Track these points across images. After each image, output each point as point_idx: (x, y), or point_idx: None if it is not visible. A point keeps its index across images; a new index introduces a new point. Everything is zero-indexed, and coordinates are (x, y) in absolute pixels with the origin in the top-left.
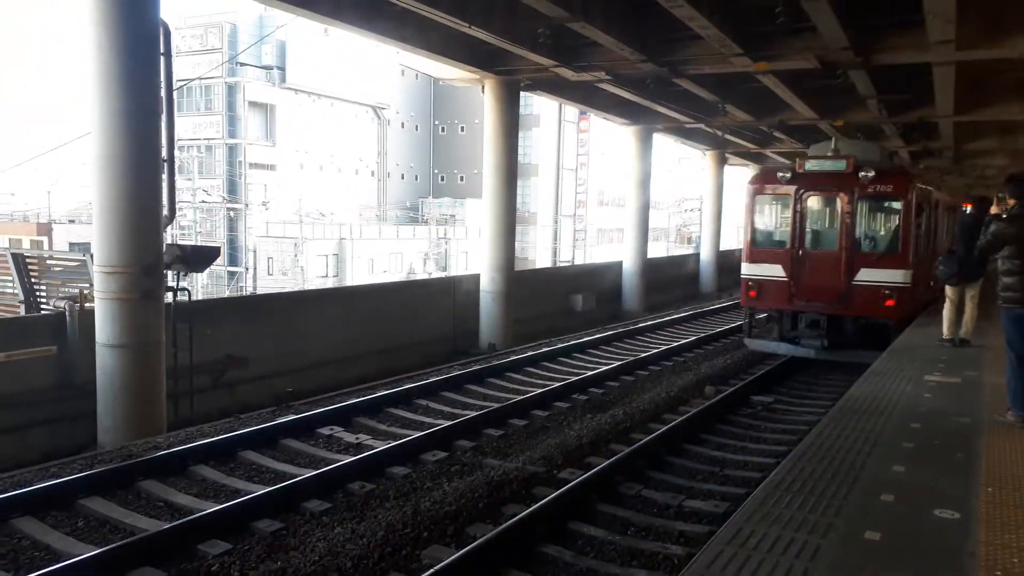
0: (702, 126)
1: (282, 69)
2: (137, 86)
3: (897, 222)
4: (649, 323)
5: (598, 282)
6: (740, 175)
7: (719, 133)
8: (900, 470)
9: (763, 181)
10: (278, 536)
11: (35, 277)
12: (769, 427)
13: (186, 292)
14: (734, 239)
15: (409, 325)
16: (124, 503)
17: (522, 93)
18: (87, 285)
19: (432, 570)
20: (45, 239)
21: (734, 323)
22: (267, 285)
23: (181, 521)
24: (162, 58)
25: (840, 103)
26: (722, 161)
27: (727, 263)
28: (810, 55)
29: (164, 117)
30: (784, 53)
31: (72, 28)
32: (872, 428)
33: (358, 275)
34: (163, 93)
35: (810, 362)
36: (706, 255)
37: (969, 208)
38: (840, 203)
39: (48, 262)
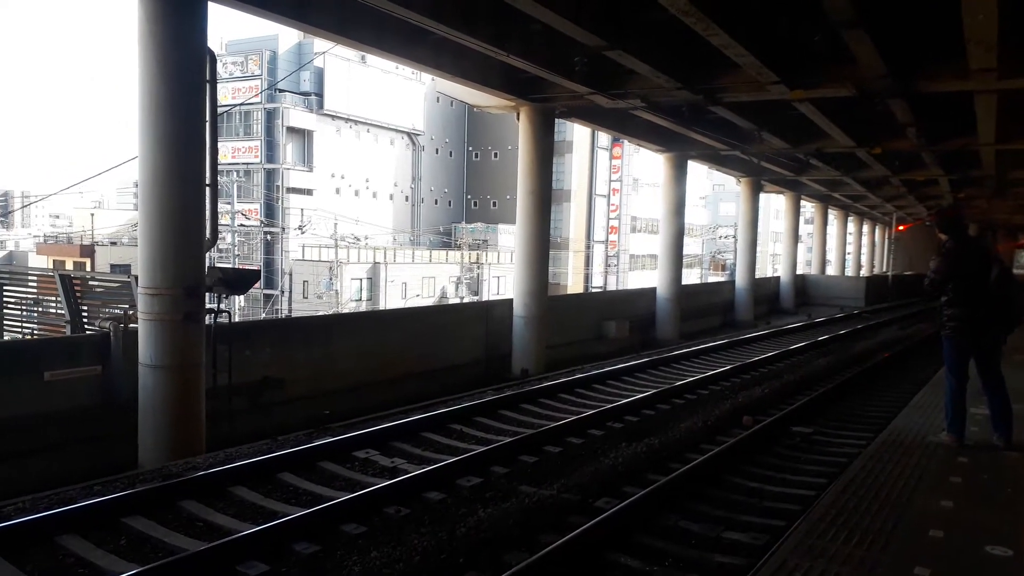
0: (737, 153)
1: (320, 95)
2: (183, 112)
3: None
4: (684, 351)
5: (631, 309)
6: (776, 202)
7: (755, 160)
8: (948, 505)
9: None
10: (315, 559)
11: (79, 298)
12: (809, 458)
13: (226, 314)
14: (769, 267)
15: (443, 349)
16: (165, 522)
17: (556, 120)
18: (127, 306)
19: None
20: (87, 261)
21: (772, 352)
22: (302, 308)
23: (221, 542)
24: (207, 85)
25: (878, 131)
26: (757, 188)
27: (763, 291)
28: (848, 83)
29: (208, 142)
30: (821, 81)
31: (118, 59)
32: (917, 462)
33: (391, 299)
34: (207, 119)
35: (852, 392)
36: (741, 283)
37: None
38: None
39: (91, 283)
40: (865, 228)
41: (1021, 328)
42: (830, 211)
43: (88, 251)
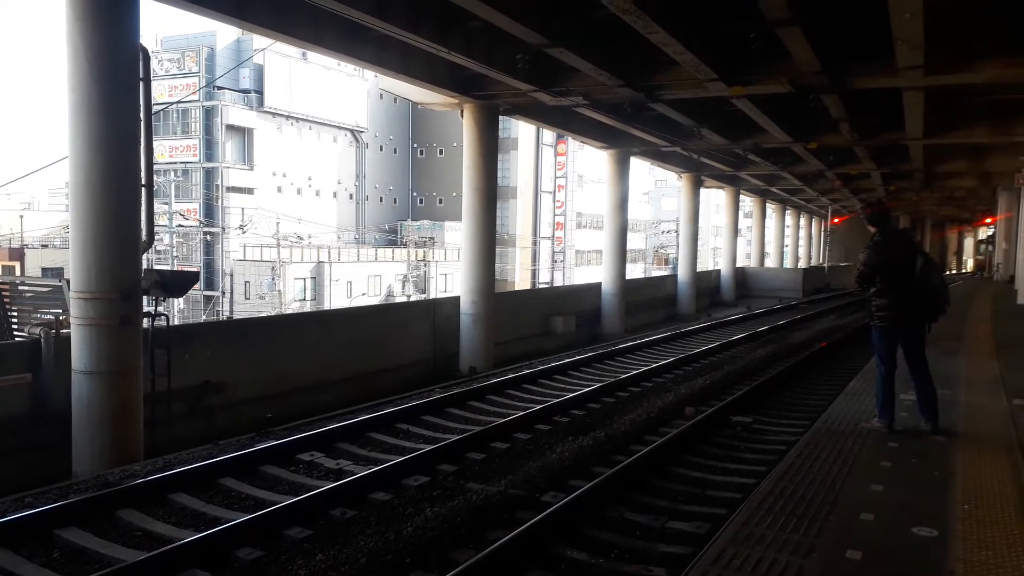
0: (678, 149)
1: (260, 93)
2: (116, 111)
3: None
4: (628, 344)
5: (577, 304)
6: (716, 197)
7: (695, 156)
8: (879, 489)
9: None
10: (259, 564)
11: (7, 303)
12: (749, 447)
13: (164, 317)
14: (710, 261)
15: (389, 349)
16: (101, 533)
17: (500, 117)
18: (60, 311)
19: None
20: (17, 264)
21: (713, 343)
22: (244, 309)
23: (160, 551)
24: (141, 83)
25: (813, 127)
26: (698, 183)
27: (705, 284)
28: (784, 80)
29: (143, 142)
30: (758, 78)
31: (49, 53)
32: (850, 448)
33: (336, 298)
34: (142, 118)
35: (789, 381)
36: (683, 276)
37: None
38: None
39: (20, 288)
40: (802, 221)
41: (945, 316)
42: (768, 205)
43: (17, 254)
